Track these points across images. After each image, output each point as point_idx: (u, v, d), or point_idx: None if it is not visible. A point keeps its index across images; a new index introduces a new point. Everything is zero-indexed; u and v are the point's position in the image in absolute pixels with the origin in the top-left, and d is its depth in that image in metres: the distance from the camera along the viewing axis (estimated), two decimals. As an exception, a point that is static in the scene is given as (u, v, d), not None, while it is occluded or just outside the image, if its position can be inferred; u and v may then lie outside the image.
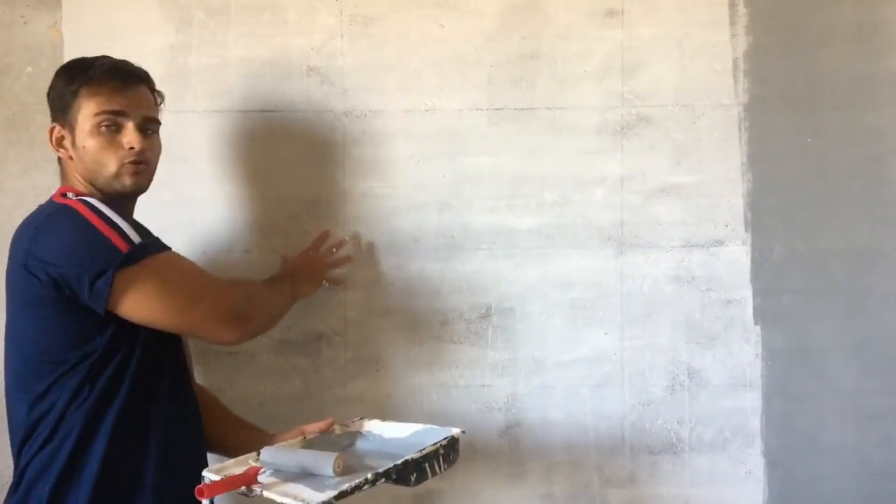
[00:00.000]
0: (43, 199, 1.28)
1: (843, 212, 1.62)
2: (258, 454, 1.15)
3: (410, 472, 1.09)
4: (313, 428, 1.30)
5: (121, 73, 1.27)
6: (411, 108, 1.61)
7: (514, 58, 1.62)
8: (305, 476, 1.08)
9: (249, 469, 1.08)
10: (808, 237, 1.62)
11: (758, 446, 1.63)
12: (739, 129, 1.62)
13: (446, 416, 1.62)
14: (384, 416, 1.40)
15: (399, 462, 1.08)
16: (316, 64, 1.61)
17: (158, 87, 1.58)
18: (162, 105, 1.37)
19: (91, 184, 1.26)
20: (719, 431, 1.64)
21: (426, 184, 1.62)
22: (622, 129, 1.62)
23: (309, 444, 1.24)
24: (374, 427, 1.30)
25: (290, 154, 1.61)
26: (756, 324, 1.63)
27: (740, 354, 1.63)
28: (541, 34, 1.61)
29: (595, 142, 1.62)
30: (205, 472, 1.08)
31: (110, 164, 1.25)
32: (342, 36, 1.61)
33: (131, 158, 1.25)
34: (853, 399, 1.63)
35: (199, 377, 1.61)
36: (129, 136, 1.26)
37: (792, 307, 1.62)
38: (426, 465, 1.11)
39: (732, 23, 1.62)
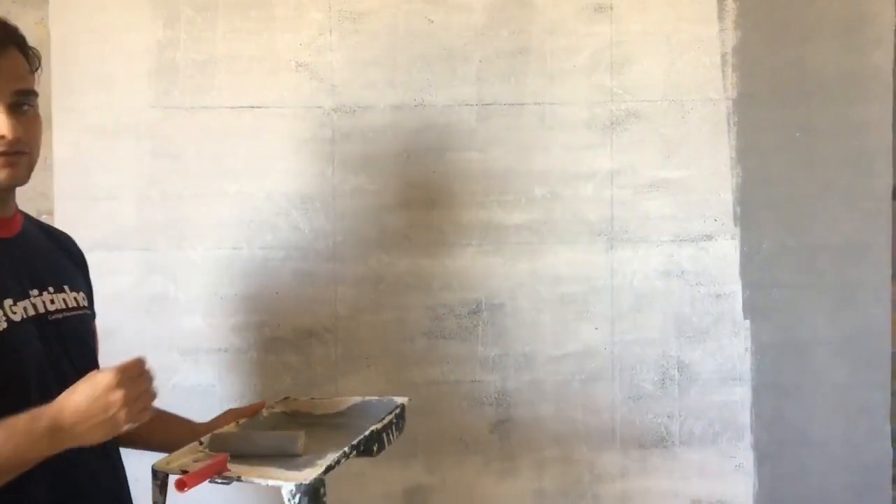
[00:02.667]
0: (26, 197, 1.27)
1: (831, 206, 1.63)
2: (200, 443, 1.09)
3: (374, 442, 1.08)
4: (244, 411, 1.21)
5: None
6: (400, 103, 1.61)
7: (503, 53, 1.62)
8: (270, 458, 1.04)
9: (218, 457, 1.02)
10: (797, 231, 1.63)
11: (747, 440, 1.64)
12: (728, 123, 1.62)
13: (437, 412, 1.62)
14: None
15: (368, 433, 1.07)
16: (305, 60, 1.61)
17: (146, 83, 1.60)
18: (39, 70, 1.07)
19: None
20: (709, 425, 1.64)
21: (415, 180, 1.62)
22: (611, 124, 1.62)
23: (241, 429, 1.17)
24: (302, 406, 1.27)
25: (279, 150, 1.61)
26: (745, 318, 1.63)
27: (730, 348, 1.64)
28: (530, 29, 1.61)
29: (584, 137, 1.62)
30: (155, 466, 1.01)
31: None
32: (331, 31, 1.61)
33: (2, 149, 0.99)
34: (842, 392, 1.64)
35: (192, 376, 1.60)
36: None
37: (781, 301, 1.63)
38: (384, 434, 1.11)
39: (721, 18, 1.62)
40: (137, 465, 1.14)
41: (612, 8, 1.61)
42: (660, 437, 1.64)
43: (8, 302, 1.00)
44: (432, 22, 1.61)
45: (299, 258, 1.61)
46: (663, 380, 1.64)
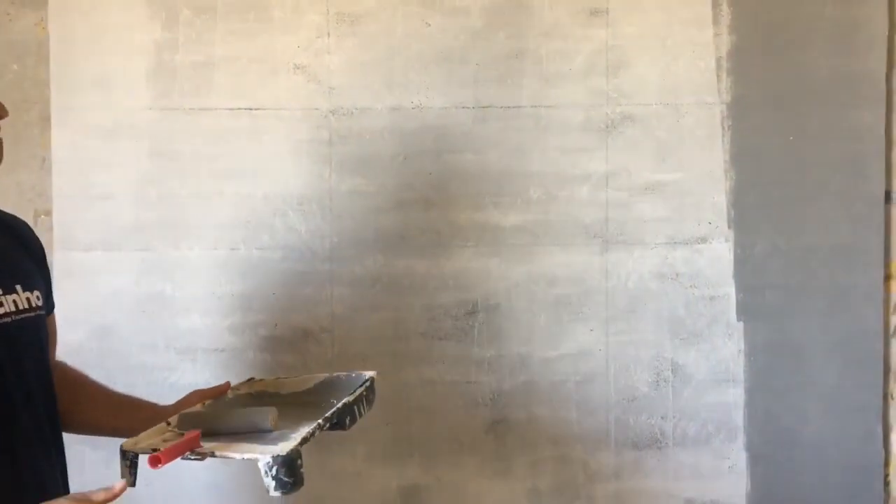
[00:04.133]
0: (27, 197, 1.28)
1: (824, 209, 1.64)
2: (168, 424, 1.06)
3: (346, 415, 1.07)
4: (209, 393, 1.18)
5: None
6: (397, 105, 1.62)
7: (499, 56, 1.63)
8: (241, 435, 1.02)
9: (191, 433, 0.99)
10: (790, 234, 1.64)
11: (740, 441, 1.65)
12: (722, 127, 1.64)
13: (433, 412, 1.63)
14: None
15: (340, 405, 1.06)
16: (302, 62, 1.62)
17: (145, 84, 1.61)
18: None
19: None
20: (703, 426, 1.65)
21: (412, 181, 1.63)
22: (607, 127, 1.63)
23: (209, 409, 1.15)
24: (268, 386, 1.25)
25: (277, 152, 1.62)
26: (739, 320, 1.65)
27: (723, 350, 1.65)
28: (526, 33, 1.62)
29: (580, 139, 1.63)
30: (124, 447, 0.97)
31: None
32: (328, 34, 1.62)
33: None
34: (834, 394, 1.65)
35: (188, 375, 1.61)
36: None
37: (774, 303, 1.64)
38: (356, 407, 1.10)
39: (716, 22, 1.63)
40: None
41: (607, 12, 1.63)
42: (654, 437, 1.65)
43: None
44: (429, 25, 1.62)
45: (296, 259, 1.62)
46: (657, 381, 1.65)
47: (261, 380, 1.27)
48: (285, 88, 1.61)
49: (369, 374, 1.20)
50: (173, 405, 1.16)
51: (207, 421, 1.06)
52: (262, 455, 0.91)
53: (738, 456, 1.65)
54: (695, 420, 1.65)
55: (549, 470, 1.65)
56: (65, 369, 1.22)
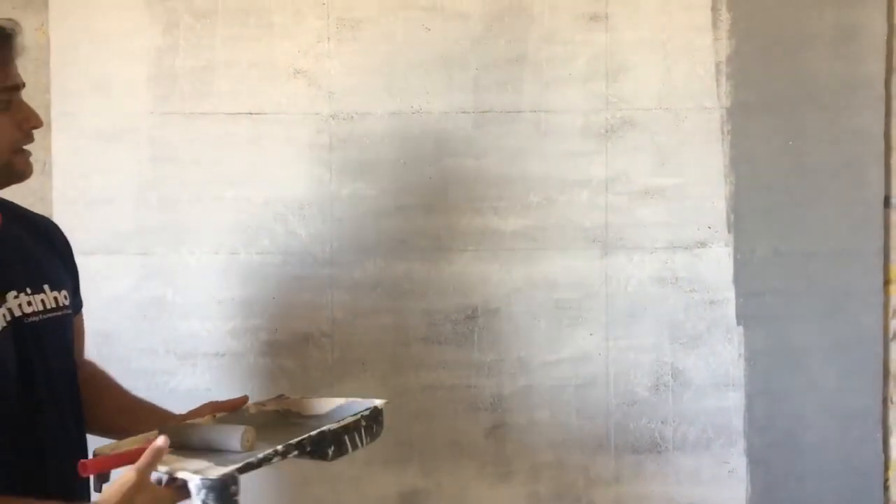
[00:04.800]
0: (28, 201, 1.27)
1: (823, 213, 1.64)
2: (157, 432, 1.04)
3: (328, 444, 1.01)
4: (224, 405, 1.17)
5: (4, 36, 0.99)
6: (398, 110, 1.62)
7: (499, 61, 1.63)
8: (210, 452, 1.00)
9: (142, 445, 0.96)
10: (790, 238, 1.64)
11: (740, 445, 1.65)
12: (722, 131, 1.64)
13: (432, 417, 1.63)
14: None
15: (314, 433, 1.00)
16: (303, 66, 1.62)
17: (145, 89, 1.62)
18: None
19: None
20: (703, 431, 1.65)
21: (412, 186, 1.63)
22: (606, 131, 1.64)
23: (219, 423, 1.14)
24: (293, 405, 1.23)
25: (277, 156, 1.62)
26: (739, 324, 1.65)
27: (723, 354, 1.65)
28: (526, 38, 1.63)
29: (580, 144, 1.64)
30: (97, 451, 0.98)
31: (4, 152, 0.98)
32: (329, 39, 1.62)
33: (29, 142, 1.00)
34: (834, 398, 1.65)
35: (189, 380, 1.61)
36: (26, 110, 1.00)
37: (774, 308, 1.64)
38: (346, 437, 1.04)
39: (715, 27, 1.64)
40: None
41: (607, 17, 1.63)
42: (654, 442, 1.65)
43: None
44: (430, 30, 1.62)
45: (297, 263, 1.62)
46: (657, 385, 1.65)
47: (288, 398, 1.25)
48: (285, 93, 1.62)
49: (373, 402, 1.16)
50: (184, 415, 1.16)
51: (184, 434, 1.05)
52: (192, 477, 0.90)
53: (738, 460, 1.65)
54: (695, 424, 1.65)
55: (548, 474, 1.65)
56: (94, 369, 1.23)
